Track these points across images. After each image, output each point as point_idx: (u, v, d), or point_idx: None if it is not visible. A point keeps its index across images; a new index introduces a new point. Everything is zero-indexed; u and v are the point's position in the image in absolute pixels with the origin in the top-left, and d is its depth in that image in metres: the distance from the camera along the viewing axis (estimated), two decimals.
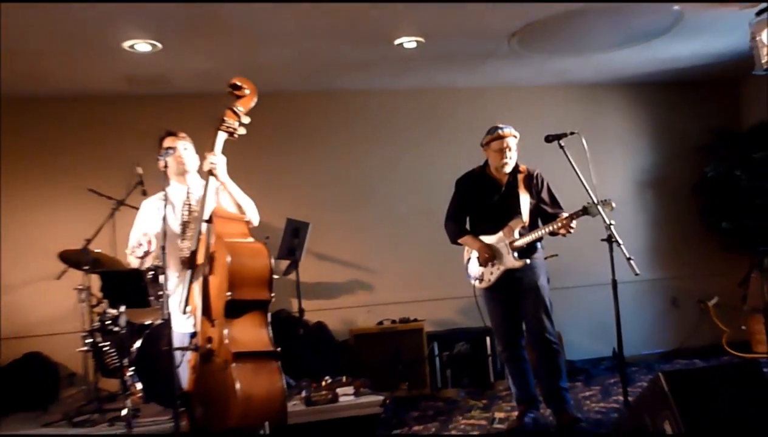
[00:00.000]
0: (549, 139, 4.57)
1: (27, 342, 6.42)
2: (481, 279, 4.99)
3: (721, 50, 6.81)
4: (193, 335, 4.10)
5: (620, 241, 4.16)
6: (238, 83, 4.21)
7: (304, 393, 5.30)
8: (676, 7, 5.55)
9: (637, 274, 4.00)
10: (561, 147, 4.49)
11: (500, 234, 4.87)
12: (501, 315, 4.98)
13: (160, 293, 3.99)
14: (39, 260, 6.24)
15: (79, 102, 6.82)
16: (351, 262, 7.23)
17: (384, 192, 7.38)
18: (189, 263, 4.02)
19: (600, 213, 4.31)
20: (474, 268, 5.03)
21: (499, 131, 4.86)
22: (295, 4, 5.04)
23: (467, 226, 5.10)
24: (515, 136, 4.90)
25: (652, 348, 7.62)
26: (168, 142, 4.35)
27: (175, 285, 4.23)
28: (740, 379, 3.35)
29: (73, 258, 5.62)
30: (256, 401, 3.74)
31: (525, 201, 4.88)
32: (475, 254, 5.00)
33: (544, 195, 4.94)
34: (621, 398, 5.09)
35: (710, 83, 7.98)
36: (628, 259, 4.03)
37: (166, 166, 4.17)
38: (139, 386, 5.24)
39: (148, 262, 4.61)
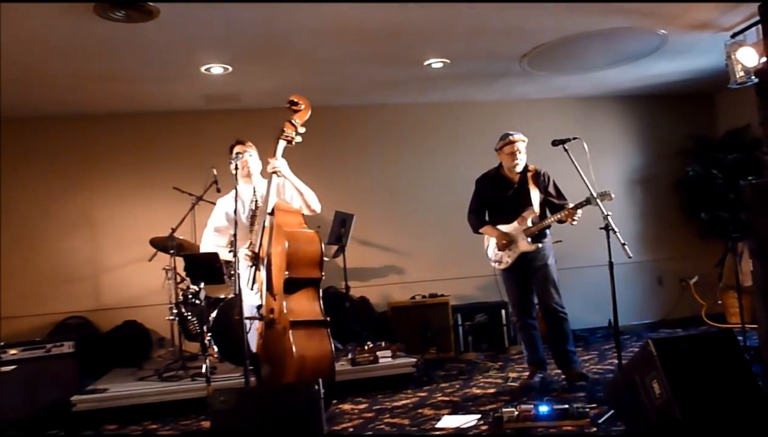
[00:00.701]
0: (555, 143, 4.51)
1: (126, 312, 6.51)
2: (499, 262, 4.95)
3: (700, 67, 6.67)
4: (259, 307, 4.12)
5: (616, 229, 4.09)
6: (295, 99, 4.22)
7: (350, 355, 5.30)
8: (662, 31, 5.43)
9: (630, 257, 3.92)
10: (565, 150, 4.42)
11: (515, 223, 4.84)
12: (516, 291, 4.94)
13: (232, 272, 4.01)
14: (135, 245, 6.32)
15: (165, 117, 6.87)
16: (388, 247, 7.20)
17: (415, 189, 7.33)
18: (254, 256, 4.04)
19: (599, 204, 4.24)
20: (493, 253, 4.98)
21: (510, 137, 4.84)
22: (343, 34, 5.02)
23: (486, 218, 5.05)
24: (524, 141, 4.86)
25: (640, 320, 7.51)
26: (236, 149, 4.37)
27: (245, 266, 4.24)
28: (717, 346, 3.28)
29: (161, 244, 5.67)
30: (309, 361, 3.76)
31: (535, 195, 4.83)
32: (493, 241, 4.95)
33: (551, 189, 4.88)
34: (614, 361, 5.03)
35: (690, 96, 7.81)
36: (623, 244, 3.96)
37: (236, 168, 4.19)
38: (215, 348, 5.28)
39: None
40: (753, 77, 5.39)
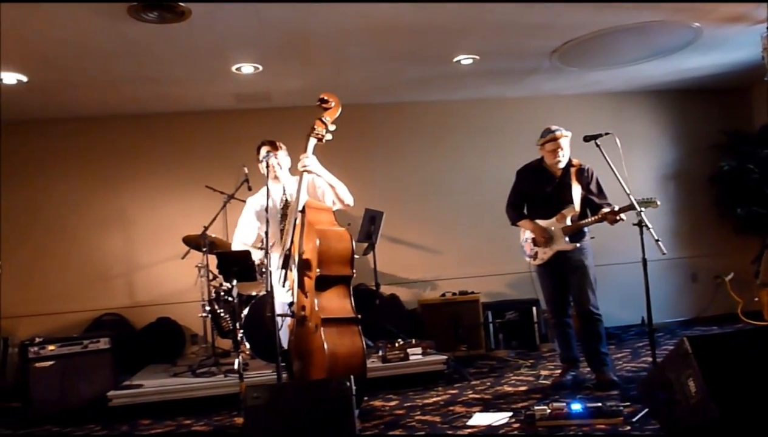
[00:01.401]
0: (587, 139, 4.41)
1: (159, 309, 6.61)
2: (535, 257, 4.84)
3: (735, 61, 6.54)
4: (291, 304, 4.15)
5: (649, 225, 4.01)
6: (325, 97, 4.23)
7: (380, 352, 5.31)
8: (696, 24, 5.34)
9: (663, 254, 3.85)
10: (597, 146, 4.32)
11: (553, 219, 4.72)
12: (551, 289, 4.85)
13: (264, 270, 4.04)
14: (168, 243, 6.39)
15: (197, 116, 6.94)
16: (418, 245, 7.19)
17: (444, 186, 7.31)
18: (285, 252, 4.07)
19: (635, 205, 4.10)
20: (529, 248, 4.88)
21: (553, 133, 4.68)
22: (373, 33, 5.03)
23: (524, 211, 4.94)
24: (567, 136, 4.70)
25: (674, 317, 7.41)
26: (262, 152, 4.40)
27: (276, 264, 4.27)
28: (754, 343, 3.22)
29: (194, 242, 5.73)
30: (341, 358, 3.77)
31: (576, 192, 4.69)
32: (530, 235, 4.85)
33: (593, 187, 4.73)
34: (648, 359, 4.97)
35: (725, 90, 7.67)
36: (657, 241, 3.88)
37: (267, 166, 4.23)
38: (247, 345, 5.32)
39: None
40: None
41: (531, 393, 4.68)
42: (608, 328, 6.56)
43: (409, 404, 4.59)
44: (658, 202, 4.26)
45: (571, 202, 4.67)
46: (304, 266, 4.01)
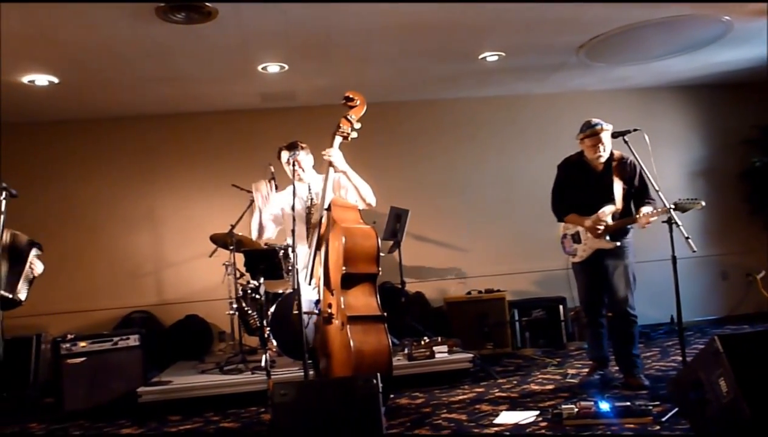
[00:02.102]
0: (615, 135, 4.34)
1: (188, 307, 6.69)
2: (574, 254, 4.74)
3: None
4: (317, 302, 4.16)
5: (679, 222, 3.94)
6: (351, 95, 4.24)
7: (406, 350, 5.31)
8: (727, 17, 5.25)
9: (694, 251, 3.77)
10: (626, 142, 4.25)
11: (594, 216, 4.54)
12: (587, 287, 4.74)
13: (291, 268, 4.06)
14: (196, 242, 6.47)
15: (224, 116, 7.00)
16: (444, 242, 7.17)
17: (470, 183, 7.28)
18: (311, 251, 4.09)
19: (669, 211, 3.97)
20: (568, 244, 4.78)
21: (593, 128, 4.48)
22: (397, 30, 5.02)
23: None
24: (607, 130, 4.49)
25: (704, 315, 7.31)
26: (284, 156, 4.43)
27: (302, 262, 4.28)
28: None
29: (221, 240, 5.78)
30: (367, 356, 3.77)
31: (618, 188, 4.54)
32: (570, 231, 4.74)
33: (636, 181, 4.57)
34: (677, 358, 4.90)
35: (756, 84, 7.51)
36: (687, 238, 3.81)
37: (293, 165, 4.25)
38: (274, 342, 5.35)
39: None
40: None
41: (558, 391, 4.64)
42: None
43: (435, 402, 4.58)
44: (703, 203, 4.14)
45: (612, 198, 4.52)
46: (330, 263, 4.02)
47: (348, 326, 3.78)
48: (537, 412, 3.98)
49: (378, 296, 4.02)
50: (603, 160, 4.56)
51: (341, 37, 5.13)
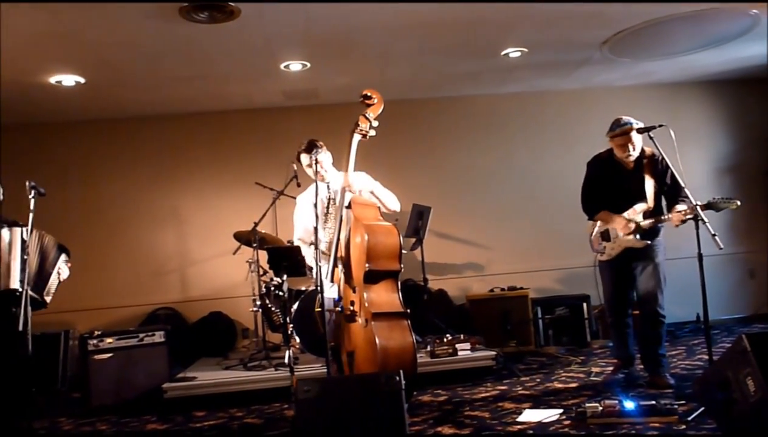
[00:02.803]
0: (640, 131, 4.28)
1: (211, 303, 6.76)
2: (602, 252, 4.66)
3: None
4: (339, 300, 4.17)
5: (706, 219, 3.88)
6: (368, 93, 4.24)
7: (429, 348, 5.31)
8: (754, 11, 5.16)
9: (720, 248, 3.71)
10: (651, 138, 4.19)
11: (625, 214, 4.48)
12: (613, 286, 4.67)
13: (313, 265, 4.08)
14: (219, 239, 6.49)
15: (247, 114, 7.06)
16: (466, 240, 7.16)
17: (493, 180, 7.26)
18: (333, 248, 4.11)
19: (698, 211, 3.92)
20: (597, 242, 4.71)
21: (622, 127, 4.37)
22: (419, 28, 5.02)
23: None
24: (635, 129, 4.38)
25: (731, 314, 7.21)
26: (304, 160, 4.44)
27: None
28: None
29: (244, 238, 5.82)
30: (392, 353, 3.77)
31: (649, 185, 4.47)
32: (598, 228, 4.67)
33: (668, 179, 4.47)
34: (704, 357, 4.83)
35: None
36: (713, 235, 3.74)
37: (316, 163, 4.27)
38: (297, 339, 5.37)
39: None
40: None
41: (582, 390, 4.61)
42: None
43: (457, 399, 4.58)
44: (738, 203, 4.07)
45: (643, 197, 4.45)
46: (352, 261, 4.03)
47: (372, 323, 3.78)
48: (560, 410, 3.96)
49: (400, 293, 4.02)
50: (633, 158, 4.49)
51: (362, 35, 5.14)
